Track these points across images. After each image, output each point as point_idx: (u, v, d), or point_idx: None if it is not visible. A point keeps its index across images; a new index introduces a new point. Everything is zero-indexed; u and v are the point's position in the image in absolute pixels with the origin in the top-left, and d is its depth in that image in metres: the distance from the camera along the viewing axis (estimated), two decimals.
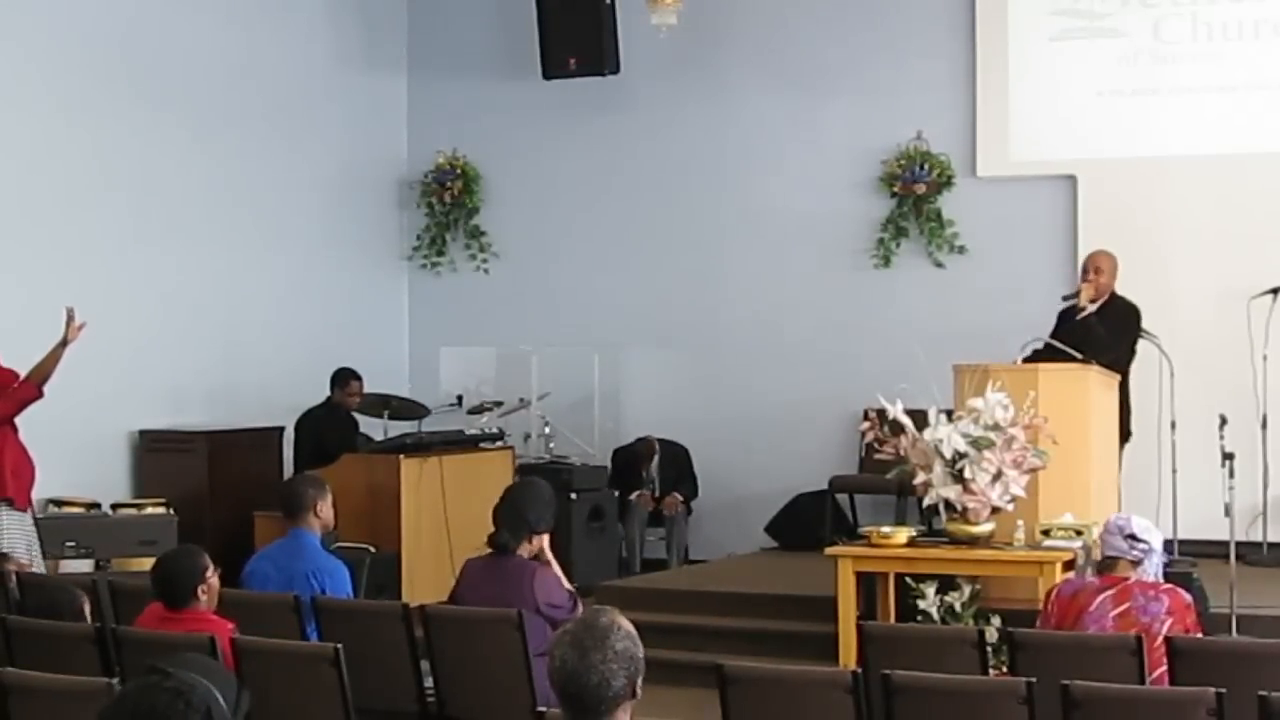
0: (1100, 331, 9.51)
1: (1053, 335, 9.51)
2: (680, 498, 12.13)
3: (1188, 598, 6.51)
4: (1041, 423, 8.40)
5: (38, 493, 9.85)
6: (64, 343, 9.38)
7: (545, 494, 7.14)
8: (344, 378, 11.79)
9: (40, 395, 9.38)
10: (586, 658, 3.64)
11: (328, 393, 11.81)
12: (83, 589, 7.24)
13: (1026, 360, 9.25)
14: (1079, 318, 9.62)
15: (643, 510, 12.07)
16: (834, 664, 7.95)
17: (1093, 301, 9.65)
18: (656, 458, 12.23)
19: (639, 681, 3.73)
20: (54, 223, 10.89)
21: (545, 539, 7.05)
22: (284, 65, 12.60)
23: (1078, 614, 6.45)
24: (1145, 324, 9.90)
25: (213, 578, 6.35)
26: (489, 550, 7.02)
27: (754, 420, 12.38)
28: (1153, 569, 6.53)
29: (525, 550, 6.99)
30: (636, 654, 3.71)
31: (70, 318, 9.36)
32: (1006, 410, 8.31)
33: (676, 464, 12.31)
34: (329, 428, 11.62)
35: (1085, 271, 9.86)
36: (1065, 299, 9.81)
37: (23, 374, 9.40)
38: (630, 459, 12.28)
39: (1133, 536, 6.50)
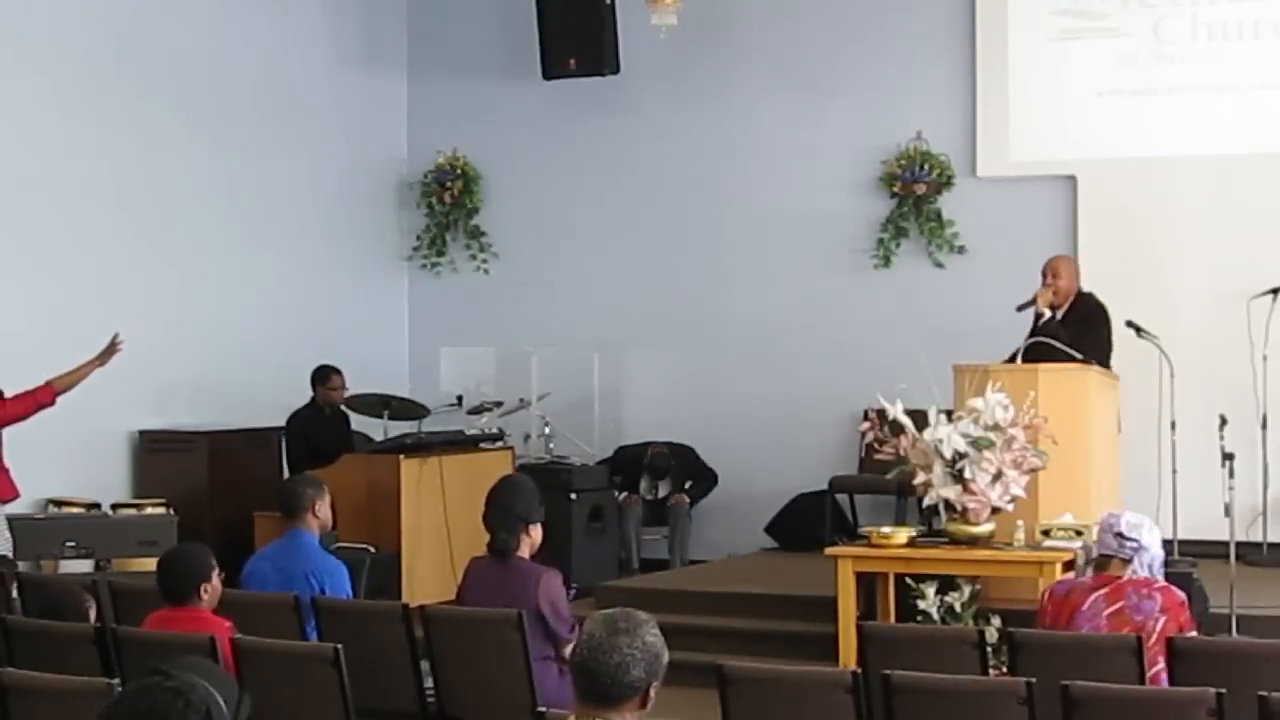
0: (1064, 334, 9.47)
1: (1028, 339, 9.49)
2: (687, 499, 12.12)
3: (1181, 595, 6.49)
4: (1041, 423, 8.40)
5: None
6: (99, 362, 9.46)
7: (528, 485, 7.15)
8: (324, 374, 11.71)
9: (53, 404, 9.40)
10: (614, 637, 3.76)
11: (311, 393, 11.75)
12: (83, 589, 7.24)
13: (1023, 357, 9.24)
14: (1041, 323, 9.60)
15: (636, 509, 12.07)
16: (834, 664, 7.95)
17: (1053, 307, 9.63)
18: (670, 475, 12.23)
19: (654, 686, 3.80)
20: (53, 223, 10.87)
21: (539, 529, 7.06)
22: (284, 65, 12.59)
23: (1071, 613, 6.44)
24: (1145, 324, 9.93)
25: (216, 579, 6.36)
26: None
27: (754, 420, 12.37)
28: (1144, 567, 6.48)
29: (526, 546, 6.99)
30: (660, 655, 3.80)
31: (114, 342, 9.43)
32: (1006, 410, 8.31)
33: (687, 465, 12.29)
34: (317, 427, 11.56)
35: (1044, 277, 9.76)
36: (1019, 308, 9.69)
37: (9, 394, 9.37)
38: (635, 463, 12.25)
39: (1120, 534, 6.47)
